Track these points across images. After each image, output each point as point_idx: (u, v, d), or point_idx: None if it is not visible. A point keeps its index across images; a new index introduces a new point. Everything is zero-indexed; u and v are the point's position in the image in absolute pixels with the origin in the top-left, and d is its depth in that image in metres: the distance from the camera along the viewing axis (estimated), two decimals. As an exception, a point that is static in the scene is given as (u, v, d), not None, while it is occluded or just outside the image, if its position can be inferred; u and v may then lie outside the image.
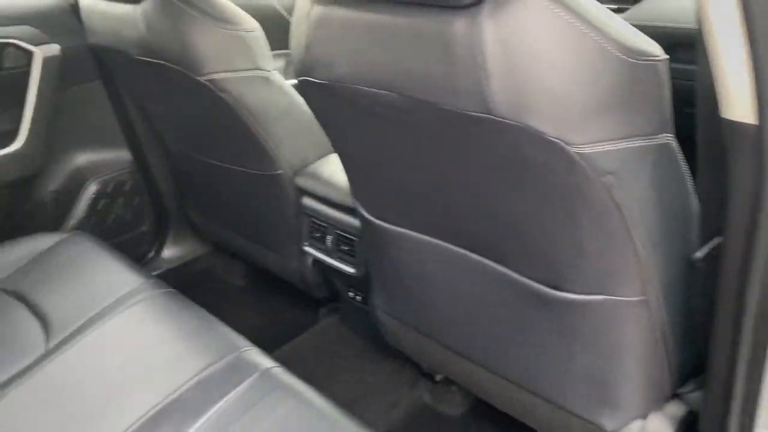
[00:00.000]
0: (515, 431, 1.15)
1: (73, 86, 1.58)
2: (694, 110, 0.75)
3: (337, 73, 0.80)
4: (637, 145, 0.68)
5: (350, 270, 1.29)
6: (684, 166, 0.77)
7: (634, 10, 1.34)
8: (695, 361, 0.91)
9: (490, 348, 1.01)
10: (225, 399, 0.92)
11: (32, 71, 1.48)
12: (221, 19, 1.18)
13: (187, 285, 1.26)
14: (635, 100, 0.66)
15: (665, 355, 0.86)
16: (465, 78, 0.67)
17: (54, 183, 1.63)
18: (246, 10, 1.25)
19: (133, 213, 1.79)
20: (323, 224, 1.34)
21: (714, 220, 0.76)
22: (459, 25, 0.66)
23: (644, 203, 0.73)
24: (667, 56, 0.67)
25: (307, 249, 1.41)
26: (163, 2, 1.20)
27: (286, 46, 1.54)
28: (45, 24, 1.50)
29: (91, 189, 1.69)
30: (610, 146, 0.67)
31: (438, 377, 1.42)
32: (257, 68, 1.24)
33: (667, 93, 0.69)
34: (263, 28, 1.26)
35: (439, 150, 0.78)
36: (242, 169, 1.40)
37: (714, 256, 0.76)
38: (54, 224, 1.65)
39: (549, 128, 0.65)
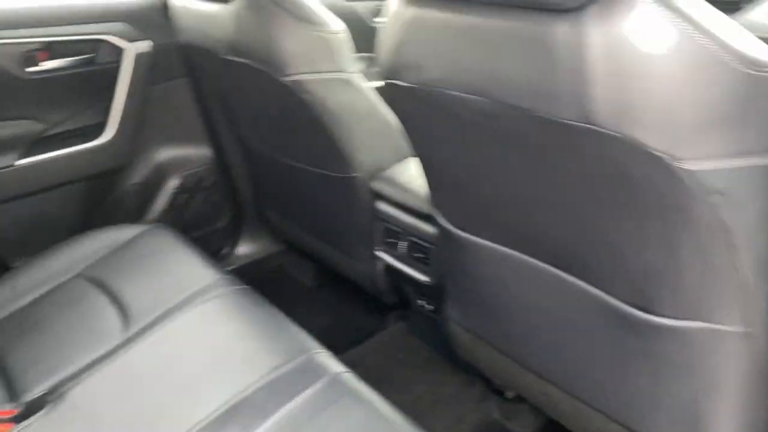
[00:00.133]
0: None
1: (160, 83, 1.63)
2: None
3: (427, 77, 0.78)
4: (752, 164, 0.63)
5: (423, 278, 1.27)
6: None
7: (739, 19, 1.26)
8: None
9: (568, 368, 0.97)
10: (294, 401, 0.92)
11: (124, 67, 1.53)
12: (308, 20, 1.18)
13: (258, 282, 1.27)
14: (752, 114, 0.61)
15: None
16: (564, 84, 0.63)
17: (138, 176, 1.69)
18: (326, 13, 1.25)
19: (212, 208, 1.83)
20: (397, 230, 1.32)
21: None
22: (561, 29, 0.63)
23: (755, 228, 0.67)
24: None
25: (379, 254, 1.39)
26: (252, 2, 1.21)
27: (365, 50, 1.55)
28: (138, 21, 1.55)
29: (173, 183, 1.73)
30: (721, 163, 0.62)
31: (509, 394, 1.37)
32: (340, 70, 1.24)
33: None
34: None
35: (530, 159, 0.75)
36: (319, 170, 1.40)
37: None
38: (136, 216, 1.70)
39: (653, 141, 0.61)
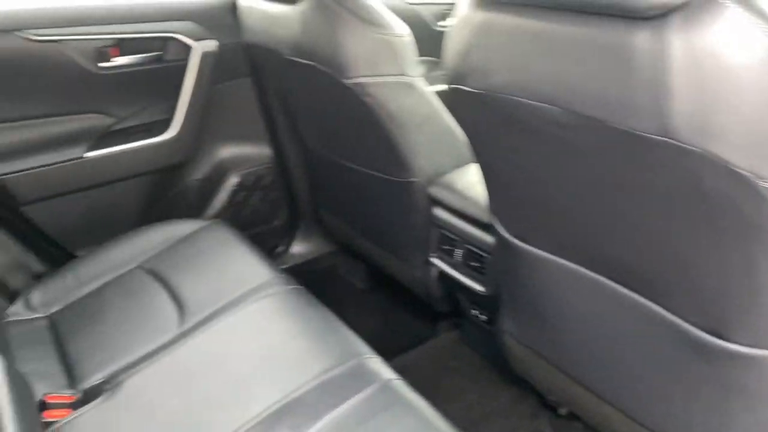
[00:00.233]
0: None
1: (225, 81, 1.65)
2: None
3: (495, 83, 0.76)
4: None
5: (478, 288, 1.24)
6: None
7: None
8: None
9: (629, 390, 0.93)
10: (344, 405, 0.91)
11: (190, 65, 1.57)
12: (373, 22, 1.18)
13: (311, 281, 1.27)
14: None
15: None
16: (642, 95, 0.61)
17: (199, 172, 1.72)
18: (389, 16, 1.24)
19: (269, 207, 1.85)
20: (453, 237, 1.30)
21: None
22: (640, 37, 0.60)
23: None
24: None
25: (434, 261, 1.38)
26: (318, 4, 1.21)
27: (428, 53, 1.53)
28: (206, 21, 1.58)
29: (232, 181, 1.76)
30: (813, 184, 0.58)
31: (562, 411, 1.33)
32: (402, 74, 1.23)
33: None
34: None
35: (600, 172, 0.72)
36: (376, 173, 1.40)
37: None
38: (195, 211, 1.73)
39: (737, 158, 0.57)
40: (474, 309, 1.38)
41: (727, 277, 0.68)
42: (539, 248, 0.92)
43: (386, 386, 0.95)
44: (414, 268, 1.46)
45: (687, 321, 0.76)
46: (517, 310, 1.10)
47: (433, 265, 1.38)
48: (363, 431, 0.87)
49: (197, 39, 1.56)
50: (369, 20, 1.17)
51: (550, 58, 0.69)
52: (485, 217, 1.15)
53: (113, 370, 1.05)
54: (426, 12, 2.14)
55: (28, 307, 1.25)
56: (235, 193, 1.77)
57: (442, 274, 1.37)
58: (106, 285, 1.28)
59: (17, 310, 1.24)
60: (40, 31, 1.39)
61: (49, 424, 0.95)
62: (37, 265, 1.55)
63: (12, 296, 1.30)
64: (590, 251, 0.84)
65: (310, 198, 1.88)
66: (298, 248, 1.94)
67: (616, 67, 0.62)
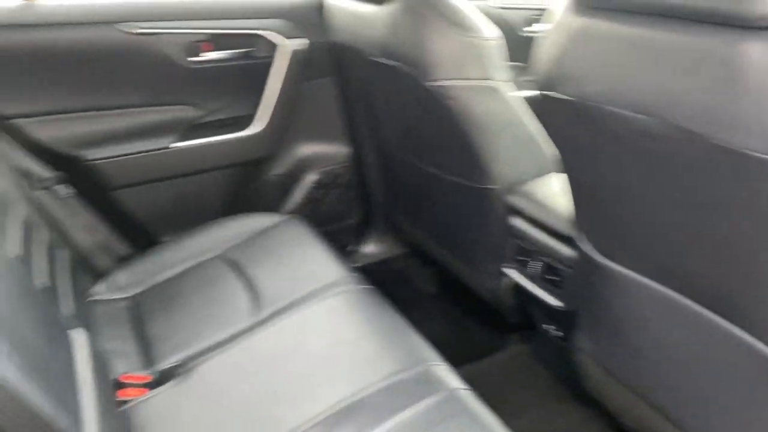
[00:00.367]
0: None
1: (309, 80, 1.68)
2: None
3: (589, 91, 0.73)
4: None
5: (554, 302, 1.20)
6: None
7: None
8: None
9: (707, 418, 0.87)
10: (409, 410, 0.90)
11: (278, 62, 1.60)
12: (461, 25, 1.16)
13: (380, 282, 1.27)
14: None
15: None
16: (751, 111, 0.57)
17: (280, 168, 1.75)
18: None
19: (344, 205, 1.86)
20: (531, 248, 1.26)
21: None
22: (752, 48, 0.56)
23: None
24: None
25: (508, 271, 1.34)
26: (407, 4, 1.21)
27: (514, 58, 1.50)
28: (295, 19, 1.61)
29: (311, 178, 1.78)
30: None
31: (633, 435, 1.27)
32: (488, 78, 1.20)
33: None
34: None
35: (699, 190, 0.67)
36: (453, 178, 1.38)
37: None
38: (274, 206, 1.77)
39: None
40: (548, 324, 1.34)
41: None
42: (625, 266, 0.88)
43: (453, 395, 0.93)
44: (487, 277, 1.43)
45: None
46: (594, 329, 1.06)
47: (507, 275, 1.35)
48: (426, 439, 0.86)
49: (286, 37, 1.59)
50: (457, 23, 1.16)
51: (652, 67, 0.66)
52: (566, 229, 1.11)
53: (187, 355, 1.08)
54: (513, 16, 2.10)
55: (113, 288, 1.31)
56: (312, 189, 1.79)
57: (516, 286, 1.34)
58: (186, 271, 1.32)
59: (102, 290, 1.30)
60: (138, 24, 1.46)
61: (123, 402, 0.99)
62: (122, 248, 1.62)
63: (98, 276, 1.36)
64: (680, 274, 0.79)
65: (385, 199, 1.88)
66: (370, 248, 1.94)
67: (723, 80, 0.58)
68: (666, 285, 0.82)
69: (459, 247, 1.54)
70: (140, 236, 1.65)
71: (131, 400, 0.99)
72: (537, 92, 0.85)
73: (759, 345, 0.73)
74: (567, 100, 0.77)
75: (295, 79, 1.63)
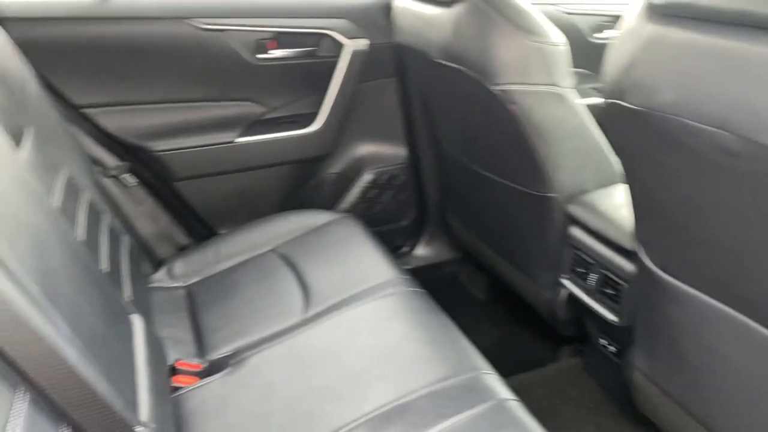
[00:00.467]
0: None
1: (371, 80, 1.69)
2: None
3: (659, 101, 0.70)
4: None
5: (611, 317, 1.17)
6: None
7: None
8: None
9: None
10: (456, 418, 0.89)
11: (341, 62, 1.61)
12: (527, 29, 1.14)
13: (430, 285, 1.26)
14: None
15: None
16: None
17: (337, 166, 1.77)
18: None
19: (398, 206, 1.86)
20: (589, 260, 1.23)
21: None
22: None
23: None
24: None
25: (565, 282, 1.31)
26: (474, 7, 1.20)
27: (580, 65, 1.46)
28: (360, 20, 1.61)
29: (367, 178, 1.79)
30: None
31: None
32: (553, 84, 1.18)
33: None
34: None
35: (773, 208, 0.64)
36: (512, 184, 1.36)
37: None
38: (329, 203, 1.78)
39: None
40: (603, 338, 1.30)
41: None
42: (687, 284, 0.84)
43: (501, 405, 0.92)
44: (541, 287, 1.41)
45: None
46: (651, 347, 1.02)
47: (563, 286, 1.32)
48: (472, 449, 0.85)
49: (350, 37, 1.60)
50: (523, 27, 1.14)
51: (727, 79, 0.63)
52: (628, 243, 1.08)
53: (239, 346, 1.10)
54: (583, 23, 2.06)
55: (171, 276, 1.34)
56: (367, 189, 1.80)
57: (572, 298, 1.31)
58: (241, 264, 1.35)
59: (161, 278, 1.34)
60: (207, 20, 1.49)
61: (176, 389, 1.01)
62: (182, 238, 1.67)
63: (158, 264, 1.40)
64: (746, 295, 0.75)
65: (440, 202, 1.87)
66: (422, 251, 1.94)
67: (810, 94, 0.55)
68: (731, 306, 0.78)
69: (514, 255, 1.52)
70: (200, 227, 1.69)
71: (184, 387, 1.01)
72: (602, 100, 0.82)
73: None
74: (635, 109, 0.74)
75: (355, 79, 1.64)
